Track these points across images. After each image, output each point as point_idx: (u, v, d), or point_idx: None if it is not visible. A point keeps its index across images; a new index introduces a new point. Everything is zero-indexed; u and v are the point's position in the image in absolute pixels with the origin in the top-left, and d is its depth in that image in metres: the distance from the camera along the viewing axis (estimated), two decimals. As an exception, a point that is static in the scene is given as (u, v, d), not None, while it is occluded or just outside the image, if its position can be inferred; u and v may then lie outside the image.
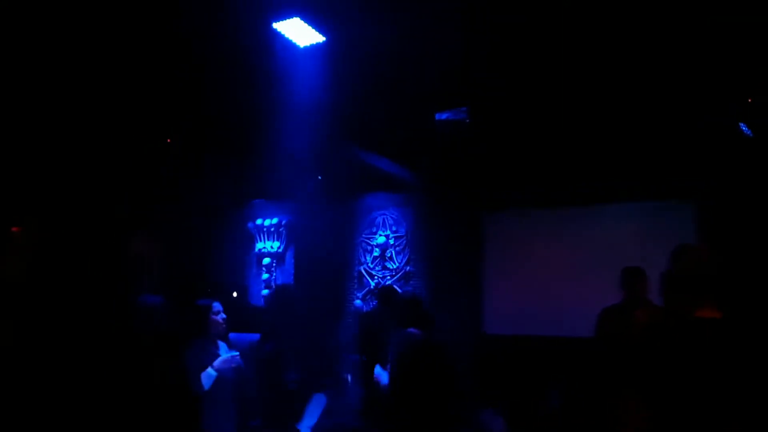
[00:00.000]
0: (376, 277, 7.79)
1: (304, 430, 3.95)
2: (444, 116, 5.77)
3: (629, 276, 4.53)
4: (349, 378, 6.17)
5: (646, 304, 4.24)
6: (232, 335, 4.22)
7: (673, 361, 2.03)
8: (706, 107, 5.60)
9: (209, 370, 3.76)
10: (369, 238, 7.93)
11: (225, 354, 3.96)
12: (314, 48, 4.83)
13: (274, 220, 8.49)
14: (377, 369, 4.28)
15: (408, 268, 7.64)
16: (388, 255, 7.79)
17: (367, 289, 7.82)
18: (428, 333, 3.99)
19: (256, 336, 4.34)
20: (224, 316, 4.02)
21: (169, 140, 6.52)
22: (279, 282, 8.30)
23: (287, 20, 4.45)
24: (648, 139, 6.00)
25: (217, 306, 4.02)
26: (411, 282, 7.54)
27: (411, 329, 4.09)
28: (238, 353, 3.90)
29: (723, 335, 2.04)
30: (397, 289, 6.78)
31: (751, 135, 5.75)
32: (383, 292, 6.04)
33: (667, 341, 2.08)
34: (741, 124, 5.72)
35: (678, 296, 2.24)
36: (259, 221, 8.57)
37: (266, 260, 8.49)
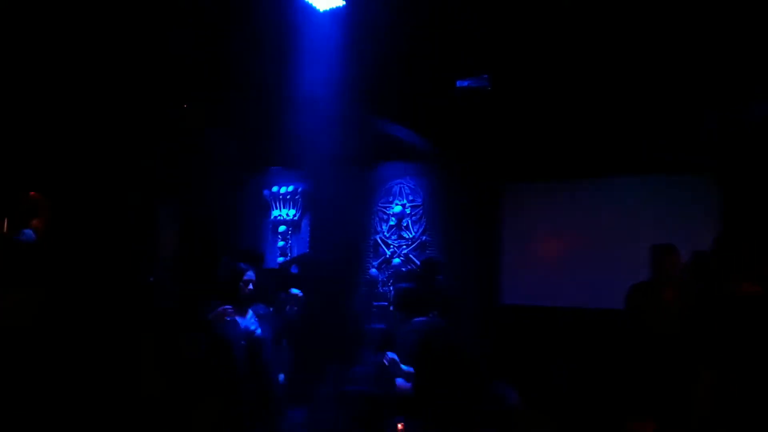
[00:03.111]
0: (391, 246, 7.77)
1: None
2: (465, 84, 5.67)
3: (659, 253, 4.45)
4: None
5: (676, 282, 4.18)
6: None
7: (738, 335, 2.06)
8: (731, 83, 5.47)
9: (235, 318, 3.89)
10: (385, 207, 7.89)
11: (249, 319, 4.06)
12: (334, 12, 4.74)
13: (290, 188, 8.46)
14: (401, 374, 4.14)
15: (424, 237, 7.62)
16: (405, 224, 7.76)
17: (382, 258, 7.81)
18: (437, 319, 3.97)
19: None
20: (251, 287, 4.10)
21: (185, 106, 6.48)
22: (294, 249, 8.31)
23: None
24: (670, 110, 5.88)
25: (249, 275, 4.10)
26: (427, 251, 7.51)
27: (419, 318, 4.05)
28: (231, 307, 3.94)
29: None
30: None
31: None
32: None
33: (726, 318, 2.10)
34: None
35: (715, 275, 2.25)
36: (275, 188, 8.54)
37: (282, 228, 8.49)
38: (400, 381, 4.03)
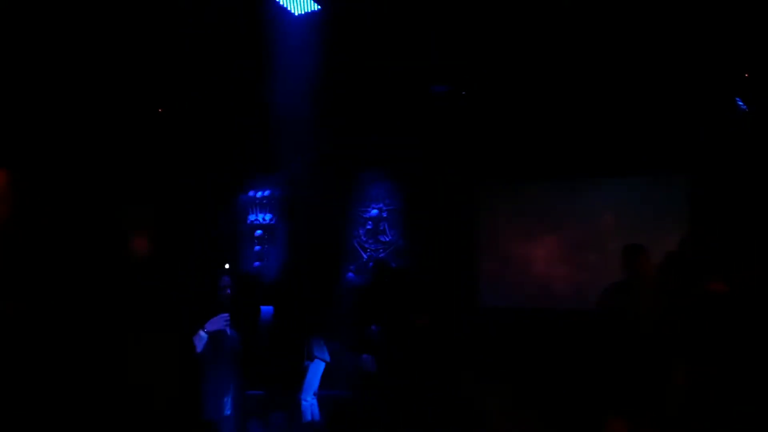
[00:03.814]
0: (368, 250, 7.78)
1: (309, 398, 4.02)
2: (440, 89, 5.72)
3: (630, 253, 4.52)
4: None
5: (649, 281, 4.24)
6: None
7: (707, 333, 2.11)
8: (702, 81, 5.59)
9: (200, 332, 3.80)
10: (362, 211, 7.89)
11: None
12: (309, 16, 4.74)
13: (266, 192, 8.42)
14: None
15: (401, 241, 7.63)
16: (381, 228, 7.77)
17: (359, 261, 7.81)
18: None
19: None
20: (228, 291, 4.09)
21: (160, 110, 6.42)
22: (271, 254, 8.27)
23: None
24: (642, 113, 5.99)
25: (225, 280, 4.11)
26: (404, 255, 7.53)
27: None
28: (228, 315, 3.91)
29: (737, 306, 2.12)
30: (391, 264, 6.78)
31: (746, 109, 5.76)
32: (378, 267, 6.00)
33: (696, 316, 2.16)
34: (737, 99, 5.72)
35: (686, 274, 2.32)
36: (251, 193, 8.49)
37: (258, 232, 8.44)
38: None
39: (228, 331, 3.90)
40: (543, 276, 6.75)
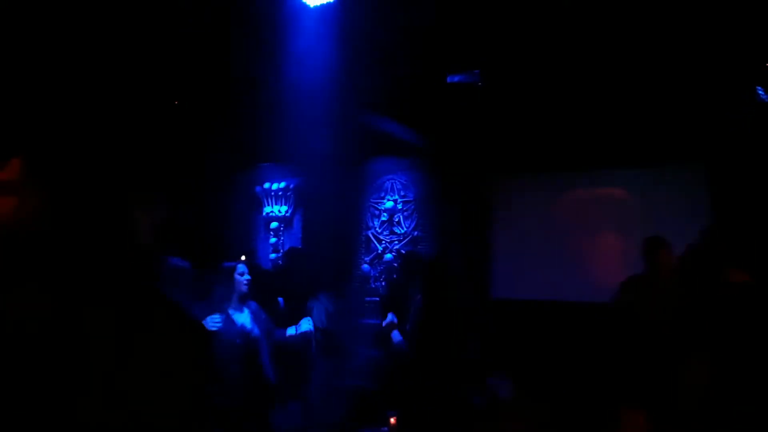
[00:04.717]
0: (383, 242, 7.79)
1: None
2: (456, 79, 5.69)
3: (650, 246, 4.48)
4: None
5: (669, 274, 4.21)
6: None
7: (731, 324, 2.10)
8: (722, 70, 5.51)
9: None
10: (377, 203, 7.90)
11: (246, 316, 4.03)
12: (324, 8, 4.74)
13: (282, 184, 8.45)
14: (395, 333, 4.33)
15: (416, 233, 7.63)
16: (396, 220, 7.77)
17: (374, 253, 7.82)
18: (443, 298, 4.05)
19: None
20: (248, 277, 4.10)
21: (176, 102, 6.45)
22: (287, 246, 8.30)
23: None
24: (661, 102, 5.92)
25: (241, 268, 4.09)
26: (419, 247, 7.53)
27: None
28: (223, 315, 3.91)
29: (758, 298, 2.10)
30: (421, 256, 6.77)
31: (765, 100, 5.67)
32: (408, 260, 5.97)
33: (715, 307, 2.14)
34: (758, 88, 5.64)
35: (708, 265, 2.30)
36: (266, 185, 8.53)
37: (274, 224, 8.48)
38: (395, 334, 4.24)
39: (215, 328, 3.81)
40: (558, 268, 6.72)
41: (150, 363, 1.31)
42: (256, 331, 4.08)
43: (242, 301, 4.10)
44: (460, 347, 3.67)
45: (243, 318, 4.06)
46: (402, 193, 7.79)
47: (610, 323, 4.62)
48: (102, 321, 1.31)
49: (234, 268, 4.06)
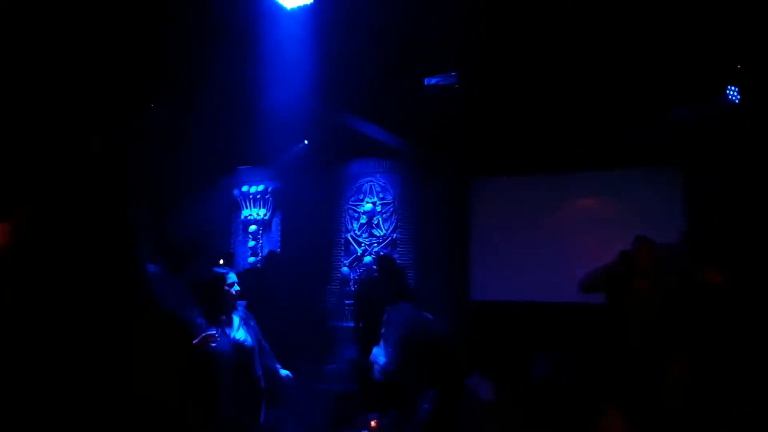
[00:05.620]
0: (362, 245, 7.78)
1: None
2: (433, 81, 5.71)
3: (634, 244, 4.52)
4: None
5: (646, 272, 4.25)
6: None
7: (706, 324, 2.13)
8: (695, 72, 5.60)
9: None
10: (356, 205, 7.89)
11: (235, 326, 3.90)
12: (301, 10, 4.73)
13: (260, 187, 8.41)
14: (374, 350, 4.20)
15: (395, 235, 7.64)
16: (375, 222, 7.77)
17: (353, 256, 7.81)
18: (417, 305, 4.04)
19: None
20: (237, 288, 3.88)
21: (152, 105, 6.39)
22: (266, 249, 8.26)
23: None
24: (635, 104, 6.00)
25: (231, 277, 3.87)
26: (398, 249, 7.54)
27: (403, 303, 4.12)
28: (215, 331, 3.61)
29: (733, 298, 2.14)
30: (396, 258, 6.78)
31: (738, 101, 5.77)
32: (383, 261, 5.94)
33: (691, 307, 2.18)
34: (728, 90, 5.74)
35: (682, 266, 2.34)
36: (245, 188, 8.48)
37: (252, 227, 8.43)
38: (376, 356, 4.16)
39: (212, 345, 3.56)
40: (534, 269, 6.77)
41: (143, 366, 1.30)
42: (249, 341, 3.87)
43: (231, 311, 3.95)
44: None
45: (235, 328, 3.86)
46: (381, 195, 7.79)
47: (587, 323, 4.67)
48: (95, 325, 1.29)
49: (223, 279, 3.83)
